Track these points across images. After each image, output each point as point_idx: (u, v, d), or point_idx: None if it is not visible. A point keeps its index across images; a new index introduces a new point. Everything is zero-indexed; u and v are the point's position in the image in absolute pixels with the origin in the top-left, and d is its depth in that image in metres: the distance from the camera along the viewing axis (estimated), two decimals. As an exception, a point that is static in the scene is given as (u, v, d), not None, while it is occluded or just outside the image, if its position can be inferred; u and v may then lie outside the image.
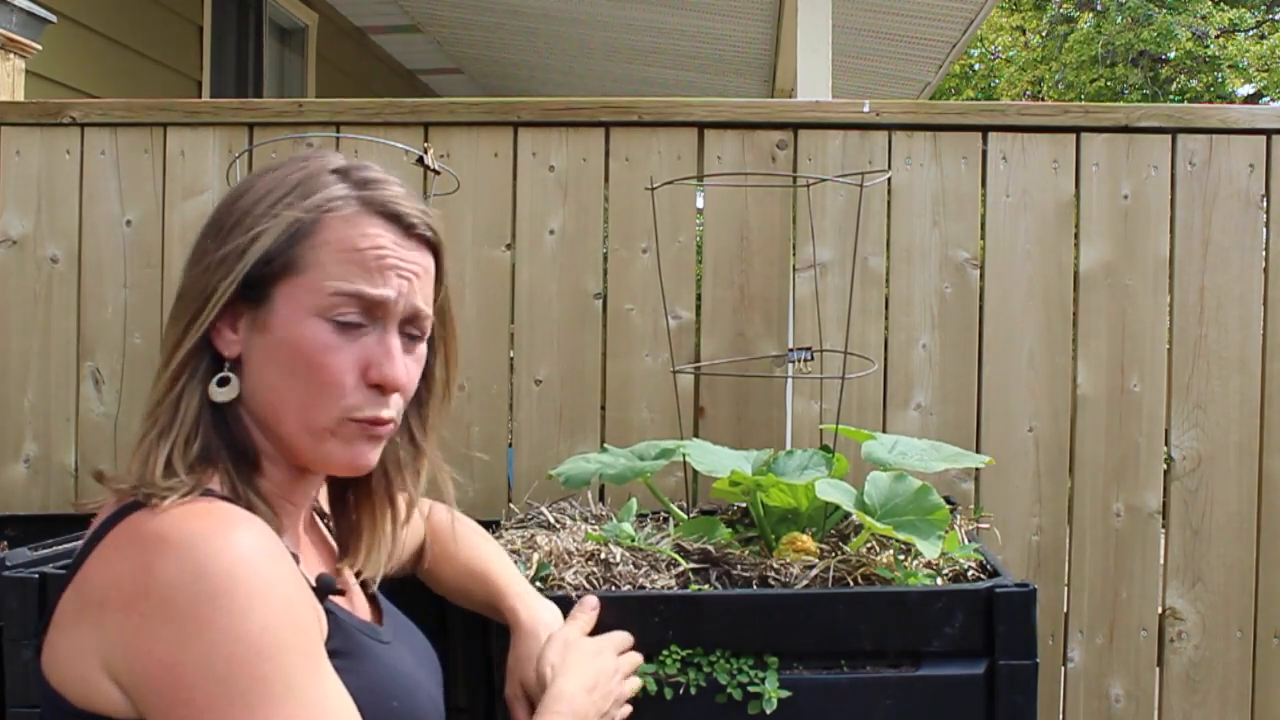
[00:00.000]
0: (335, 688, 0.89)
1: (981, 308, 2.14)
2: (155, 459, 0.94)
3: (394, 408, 1.00)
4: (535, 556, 1.53)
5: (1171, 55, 13.87)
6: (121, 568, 0.86)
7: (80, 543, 0.95)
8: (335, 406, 0.97)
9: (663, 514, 1.84)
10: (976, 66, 16.37)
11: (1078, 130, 2.13)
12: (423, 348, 1.05)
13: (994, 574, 1.50)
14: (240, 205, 0.99)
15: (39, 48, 2.61)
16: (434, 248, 1.05)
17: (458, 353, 1.14)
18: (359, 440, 0.99)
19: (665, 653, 1.38)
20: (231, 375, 0.98)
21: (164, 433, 0.95)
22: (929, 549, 1.44)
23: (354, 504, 1.13)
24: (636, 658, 1.30)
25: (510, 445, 2.17)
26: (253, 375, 0.98)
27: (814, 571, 1.49)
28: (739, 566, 1.52)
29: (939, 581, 1.50)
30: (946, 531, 1.56)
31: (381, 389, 0.98)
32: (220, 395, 0.97)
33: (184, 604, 0.82)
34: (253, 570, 0.86)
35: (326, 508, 1.17)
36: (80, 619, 0.87)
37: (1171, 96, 13.99)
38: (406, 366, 1.00)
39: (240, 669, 0.82)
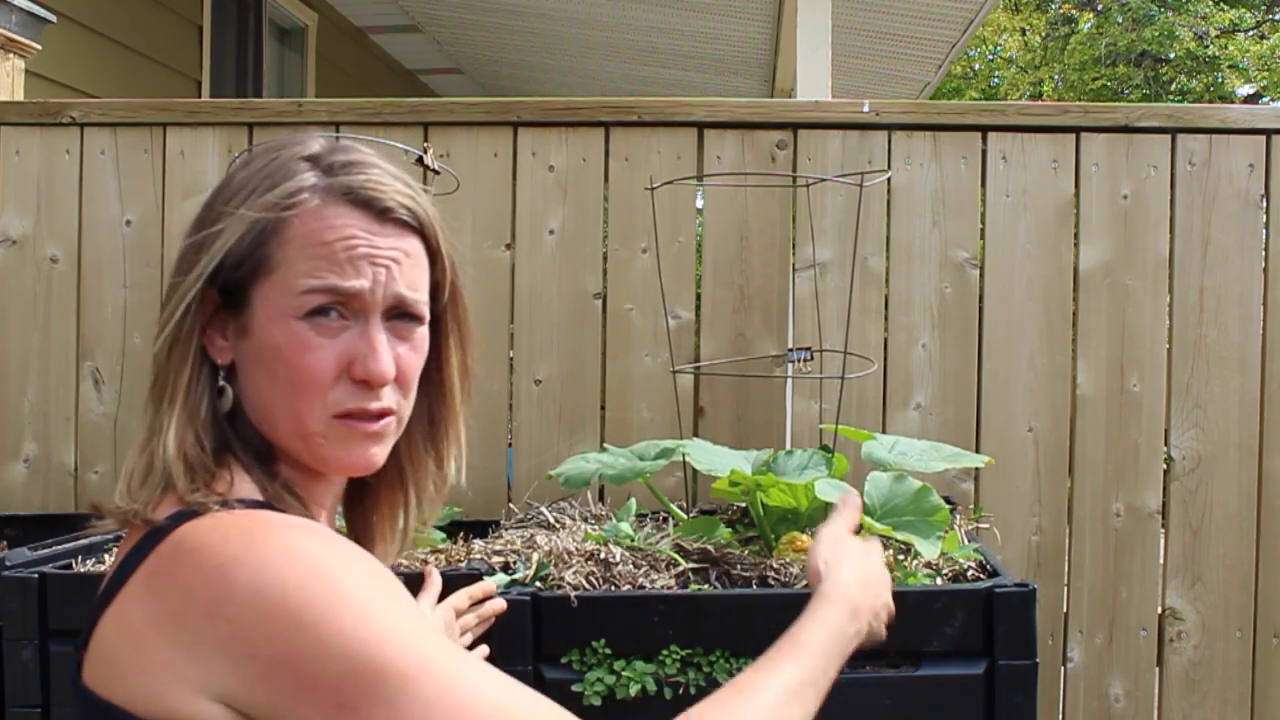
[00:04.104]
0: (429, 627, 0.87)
1: (981, 308, 2.14)
2: (176, 476, 0.90)
3: (388, 399, 0.96)
4: (535, 556, 1.53)
5: (1172, 56, 13.88)
6: (192, 579, 0.83)
7: (112, 569, 0.90)
8: (319, 407, 0.93)
9: (662, 514, 1.84)
10: (978, 67, 16.37)
11: (1077, 130, 2.13)
12: (421, 332, 1.00)
13: (994, 574, 1.50)
14: (214, 206, 0.96)
15: (39, 48, 2.60)
16: (418, 229, 0.98)
17: (472, 330, 1.10)
18: (354, 439, 0.95)
19: (665, 652, 1.38)
20: (226, 385, 0.95)
21: (178, 448, 0.91)
22: (928, 549, 1.44)
23: (374, 497, 1.09)
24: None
25: (510, 445, 2.17)
26: (244, 381, 0.95)
27: (814, 571, 1.49)
28: (739, 566, 1.52)
29: (939, 581, 1.50)
30: (946, 531, 1.56)
31: (368, 384, 0.94)
32: (218, 406, 0.95)
33: (275, 594, 0.80)
34: (330, 544, 0.85)
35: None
36: (148, 642, 0.84)
37: (1171, 97, 13.98)
38: (399, 357, 0.96)
39: (353, 635, 0.80)
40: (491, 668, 0.85)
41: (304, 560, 0.83)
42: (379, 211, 0.95)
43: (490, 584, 1.37)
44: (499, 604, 1.34)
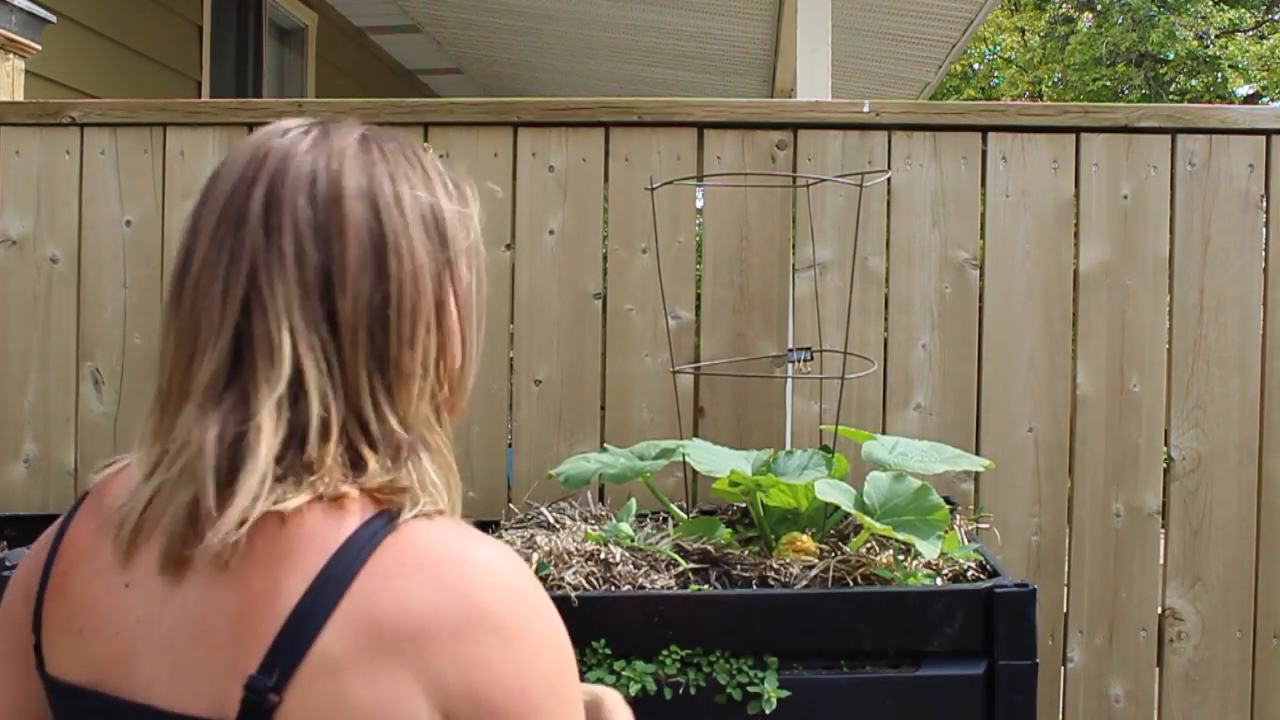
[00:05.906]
0: None
1: (981, 308, 2.14)
2: (426, 470, 0.89)
3: None
4: (535, 556, 1.53)
5: (1171, 56, 13.87)
6: (437, 597, 0.80)
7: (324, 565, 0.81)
8: None
9: (662, 514, 1.84)
10: (977, 66, 16.37)
11: (1077, 130, 2.13)
12: None
13: (994, 574, 1.50)
14: (422, 195, 0.98)
15: (39, 48, 2.60)
16: None
17: None
18: None
19: (665, 653, 1.39)
20: None
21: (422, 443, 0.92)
22: (928, 549, 1.44)
23: None
24: None
25: (510, 445, 2.17)
26: None
27: (814, 571, 1.49)
28: (739, 566, 1.52)
29: (939, 581, 1.50)
30: (946, 532, 1.56)
31: None
32: None
33: (514, 624, 0.81)
34: (536, 580, 0.87)
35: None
36: (381, 657, 0.79)
37: (1171, 97, 13.98)
38: None
39: (564, 678, 0.84)
40: None
41: (536, 586, 0.85)
42: None
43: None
44: None
